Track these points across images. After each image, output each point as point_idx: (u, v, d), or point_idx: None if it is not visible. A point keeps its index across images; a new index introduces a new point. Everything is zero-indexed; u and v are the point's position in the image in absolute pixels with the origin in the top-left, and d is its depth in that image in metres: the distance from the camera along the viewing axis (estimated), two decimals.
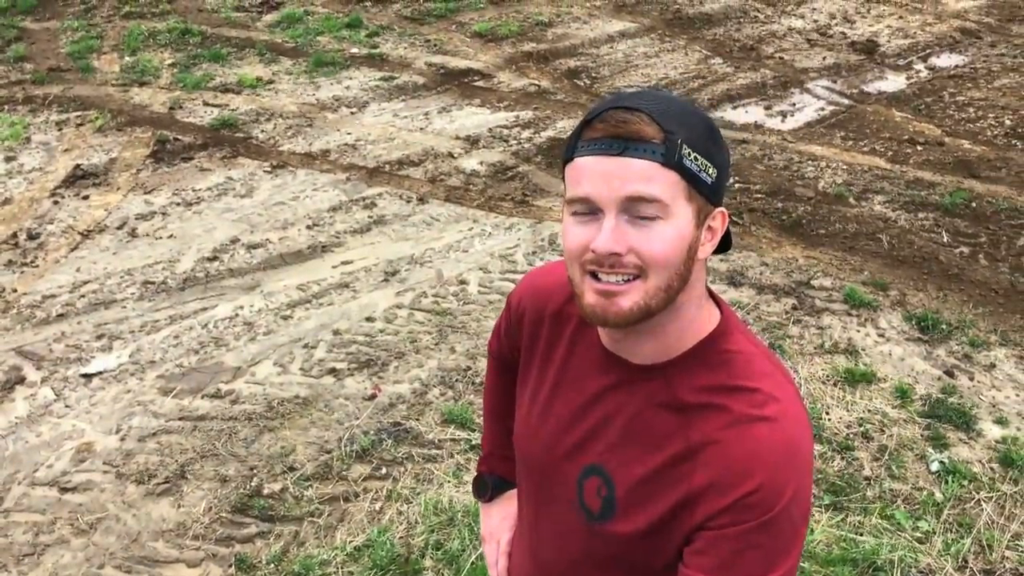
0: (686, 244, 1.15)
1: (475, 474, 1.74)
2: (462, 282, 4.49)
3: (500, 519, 1.67)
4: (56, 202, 5.19)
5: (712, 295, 1.28)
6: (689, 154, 1.13)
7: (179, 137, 5.95)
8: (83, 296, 4.35)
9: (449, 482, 3.28)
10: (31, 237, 4.84)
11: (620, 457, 1.24)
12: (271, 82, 6.83)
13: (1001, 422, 3.65)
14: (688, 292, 1.19)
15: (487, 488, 1.70)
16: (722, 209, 1.21)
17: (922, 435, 3.57)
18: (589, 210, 1.15)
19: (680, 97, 1.23)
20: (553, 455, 1.33)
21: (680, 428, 1.19)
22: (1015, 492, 3.27)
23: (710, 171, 1.15)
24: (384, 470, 3.35)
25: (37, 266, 4.59)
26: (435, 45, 7.61)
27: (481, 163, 5.72)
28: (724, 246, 1.26)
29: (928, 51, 7.69)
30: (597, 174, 1.13)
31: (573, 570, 1.35)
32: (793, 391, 1.22)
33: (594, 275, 1.16)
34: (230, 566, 2.94)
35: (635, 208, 1.12)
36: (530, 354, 1.41)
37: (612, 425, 1.26)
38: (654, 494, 1.20)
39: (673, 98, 1.21)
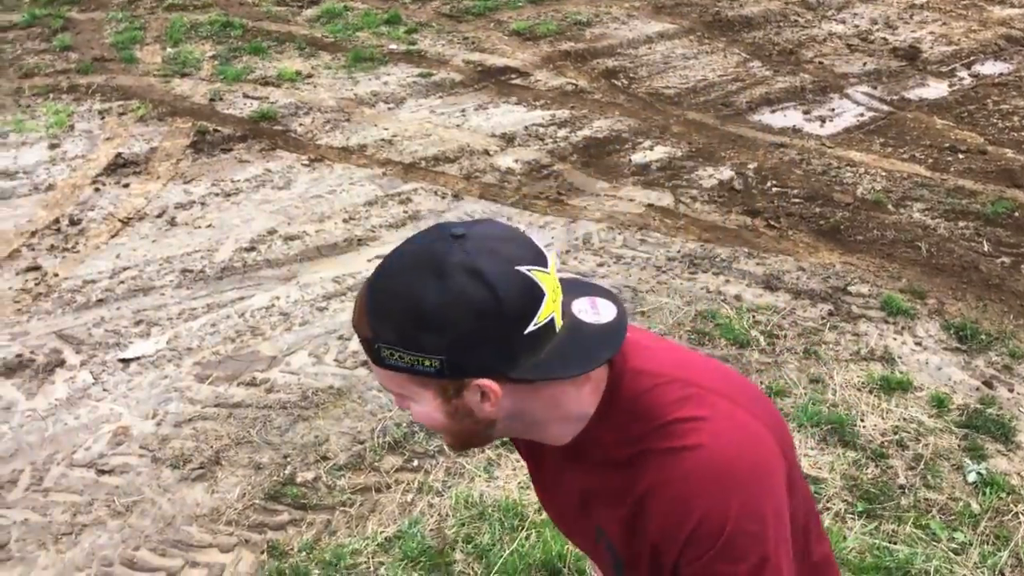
0: (440, 415, 1.15)
1: None
2: None
3: None
4: (97, 189, 5.27)
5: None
6: (392, 355, 1.08)
7: (219, 128, 6.01)
8: (122, 282, 4.41)
9: (480, 476, 3.29)
10: (73, 223, 4.92)
11: (606, 521, 1.25)
12: (310, 76, 6.89)
13: None
14: (532, 420, 1.19)
15: None
16: (484, 381, 1.10)
17: (959, 445, 3.53)
18: None
19: (420, 252, 1.10)
20: (567, 519, 1.39)
21: (627, 483, 1.19)
22: None
23: (426, 362, 1.07)
24: (416, 462, 3.37)
25: (78, 252, 4.66)
26: (473, 43, 7.63)
27: (516, 161, 5.72)
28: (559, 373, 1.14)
29: (972, 58, 7.59)
30: None
31: None
32: (716, 399, 1.18)
33: None
34: (262, 552, 2.97)
35: None
36: None
37: (584, 497, 1.28)
38: (636, 550, 1.21)
39: (405, 267, 1.10)
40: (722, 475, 1.11)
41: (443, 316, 1.05)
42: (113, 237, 4.81)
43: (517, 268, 1.07)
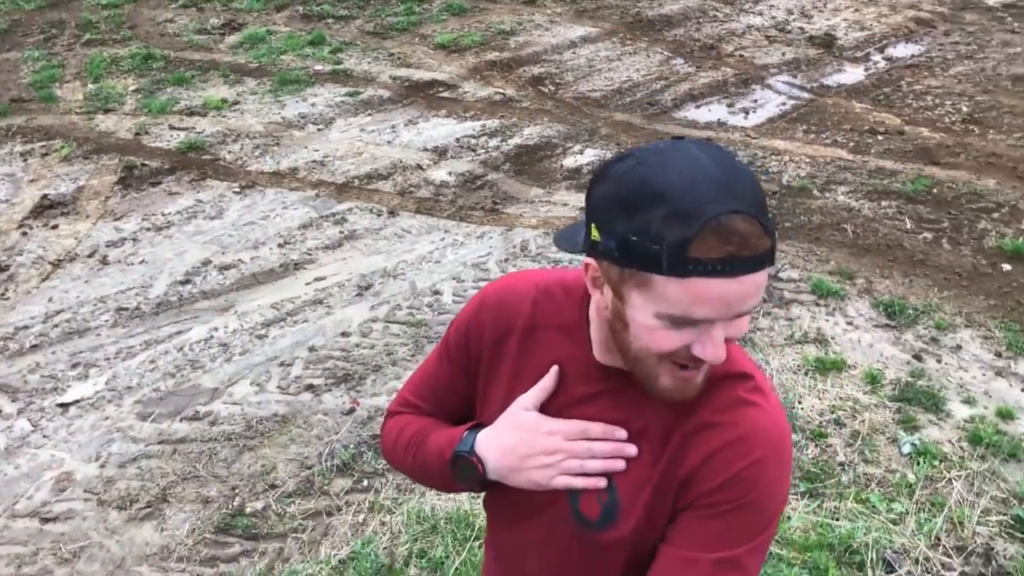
0: None
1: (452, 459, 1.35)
2: (436, 293, 4.53)
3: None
4: (25, 233, 5.17)
5: None
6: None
7: (146, 162, 5.94)
8: (56, 326, 4.34)
9: (431, 491, 3.30)
10: (1, 269, 4.82)
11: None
12: (236, 103, 6.84)
13: (969, 402, 3.72)
14: None
15: (468, 444, 1.33)
16: None
17: (893, 419, 3.64)
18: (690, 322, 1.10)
19: (735, 162, 1.10)
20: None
21: (677, 420, 1.21)
22: (984, 469, 3.34)
23: None
24: (366, 482, 3.38)
25: (8, 298, 4.58)
26: (399, 58, 7.65)
27: (450, 173, 5.75)
28: None
29: (885, 42, 7.83)
30: (719, 299, 1.05)
31: None
32: (772, 390, 1.26)
33: (678, 364, 1.14)
34: None
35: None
36: (492, 372, 1.37)
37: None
38: (660, 494, 1.21)
39: (745, 173, 1.08)
40: (779, 442, 1.19)
41: None
42: (44, 281, 4.73)
43: None
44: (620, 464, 1.22)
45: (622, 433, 1.23)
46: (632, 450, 1.22)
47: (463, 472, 1.31)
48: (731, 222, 1.02)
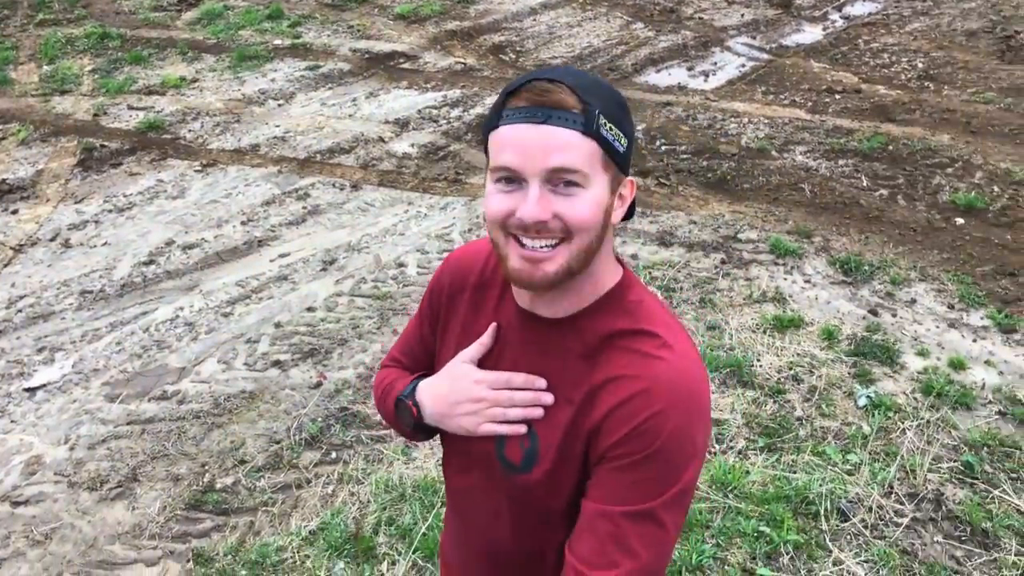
0: (603, 210, 1.23)
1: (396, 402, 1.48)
2: (400, 265, 4.56)
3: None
4: None
5: (615, 255, 1.36)
6: (605, 124, 1.20)
7: (106, 143, 5.90)
8: (20, 311, 4.33)
9: (399, 460, 3.36)
10: None
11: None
12: (195, 80, 6.78)
13: (922, 354, 3.82)
14: (599, 253, 1.27)
15: (410, 391, 1.45)
16: (631, 178, 1.29)
17: (849, 373, 3.73)
18: (513, 178, 1.21)
19: (592, 72, 1.30)
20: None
21: (588, 372, 1.27)
22: (936, 418, 3.45)
23: (622, 140, 1.23)
24: (334, 454, 3.43)
25: None
26: (358, 30, 7.60)
27: (412, 145, 5.76)
28: (628, 214, 1.33)
29: (842, 0, 7.87)
30: (521, 144, 1.19)
31: (493, 524, 1.42)
32: (690, 343, 1.30)
33: (518, 240, 1.22)
34: (188, 561, 3.00)
35: (557, 177, 1.19)
36: (447, 327, 1.48)
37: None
38: (571, 440, 1.27)
39: (587, 73, 1.27)
40: (686, 394, 1.22)
41: (629, 110, 1.29)
42: (6, 266, 4.71)
43: None
44: (538, 412, 1.30)
45: (541, 383, 1.31)
46: (549, 399, 1.30)
47: (401, 415, 1.44)
48: (542, 84, 1.20)
